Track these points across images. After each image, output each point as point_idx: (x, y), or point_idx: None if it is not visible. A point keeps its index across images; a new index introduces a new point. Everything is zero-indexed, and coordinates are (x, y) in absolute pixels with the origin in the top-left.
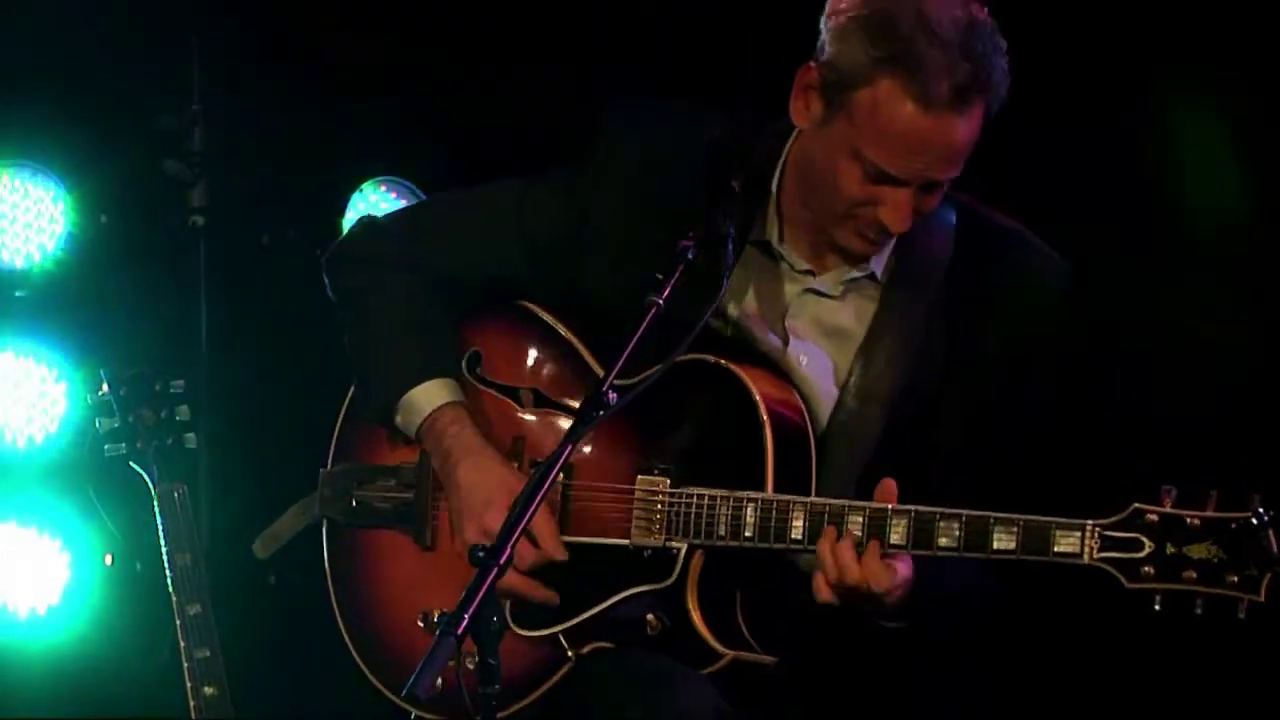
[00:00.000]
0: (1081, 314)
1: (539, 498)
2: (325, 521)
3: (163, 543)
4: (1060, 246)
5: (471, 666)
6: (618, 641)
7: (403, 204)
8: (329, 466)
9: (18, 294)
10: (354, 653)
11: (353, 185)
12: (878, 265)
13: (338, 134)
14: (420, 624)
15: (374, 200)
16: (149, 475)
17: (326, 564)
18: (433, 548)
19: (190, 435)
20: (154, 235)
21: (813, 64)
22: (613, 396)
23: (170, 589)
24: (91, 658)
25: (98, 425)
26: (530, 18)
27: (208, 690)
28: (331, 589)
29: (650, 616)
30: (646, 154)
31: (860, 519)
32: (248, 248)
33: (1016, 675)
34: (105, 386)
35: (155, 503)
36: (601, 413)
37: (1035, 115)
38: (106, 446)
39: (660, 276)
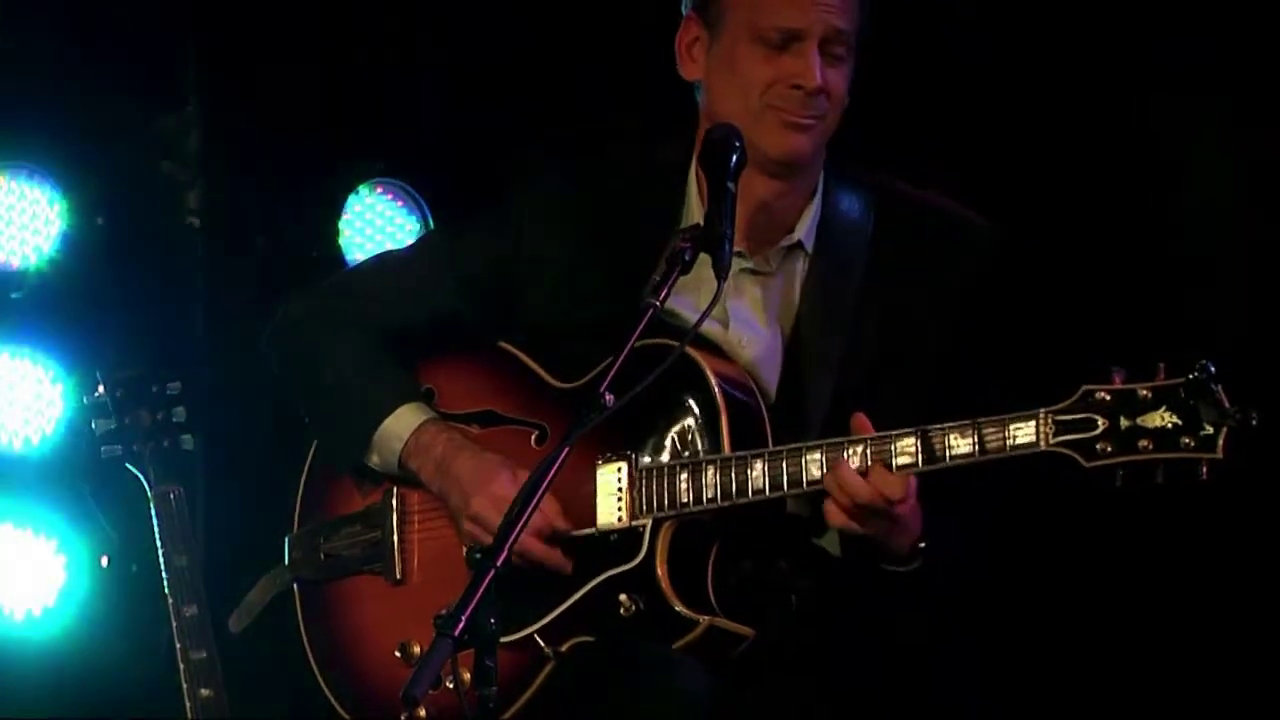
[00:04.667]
0: (1009, 271)
1: (536, 498)
2: (296, 584)
3: (159, 544)
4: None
5: (450, 684)
6: (594, 631)
7: (399, 205)
8: (294, 530)
9: (14, 295)
10: (337, 705)
11: (349, 188)
12: (806, 237)
13: (334, 136)
14: (398, 655)
15: (370, 202)
16: (145, 477)
17: (301, 625)
18: (403, 581)
19: (187, 437)
20: (150, 237)
21: (687, 15)
22: (609, 398)
23: (166, 590)
24: (87, 659)
25: (94, 427)
26: (527, 20)
27: (204, 692)
28: (308, 649)
29: (623, 597)
30: (568, 178)
31: (818, 455)
32: (244, 249)
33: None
34: (101, 388)
35: (151, 504)
36: (600, 411)
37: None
38: (103, 448)
39: (657, 278)
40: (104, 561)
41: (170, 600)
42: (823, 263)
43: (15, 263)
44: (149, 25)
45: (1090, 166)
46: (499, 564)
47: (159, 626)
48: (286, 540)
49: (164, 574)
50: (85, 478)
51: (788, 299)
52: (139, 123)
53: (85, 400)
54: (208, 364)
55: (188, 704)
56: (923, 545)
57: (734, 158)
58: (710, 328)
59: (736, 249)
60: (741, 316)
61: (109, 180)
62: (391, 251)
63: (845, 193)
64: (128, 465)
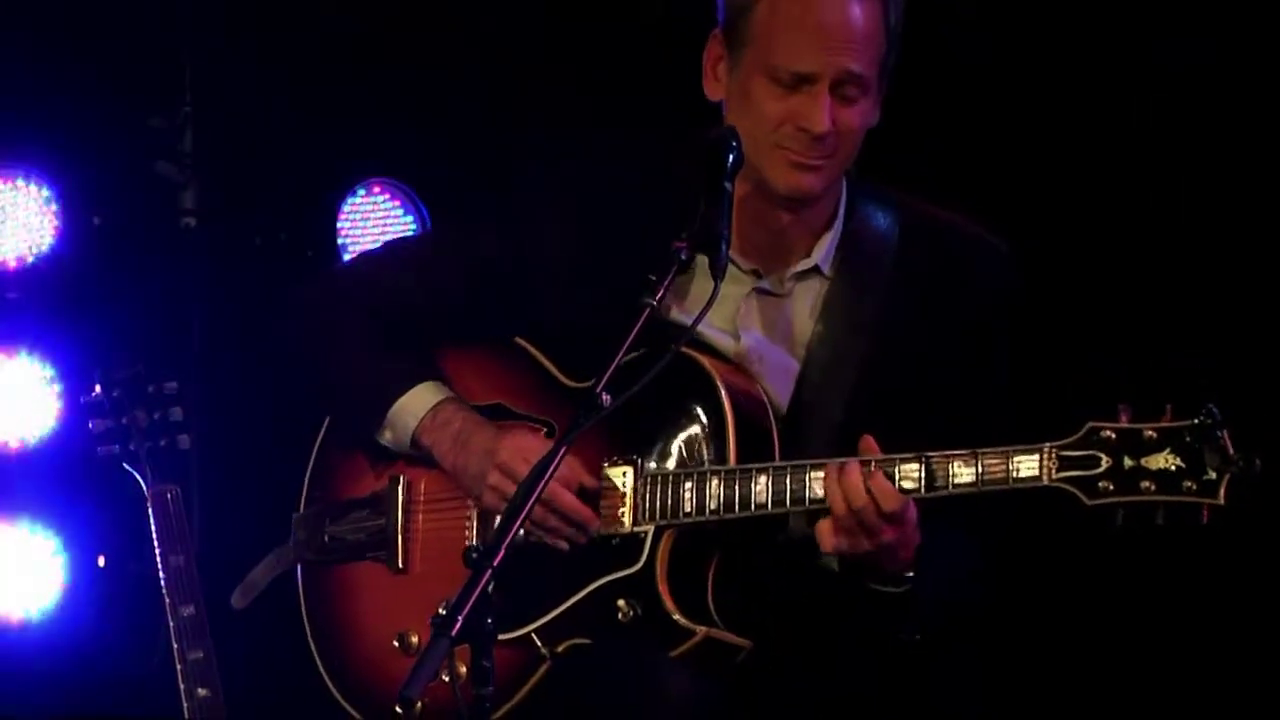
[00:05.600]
0: (1023, 290)
1: (533, 498)
2: (300, 565)
3: (156, 544)
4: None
5: (446, 678)
6: (591, 634)
7: (395, 205)
8: (301, 510)
9: (11, 295)
10: (334, 690)
11: (345, 187)
12: (824, 261)
13: (330, 136)
14: (396, 644)
15: (367, 202)
16: (142, 476)
17: (302, 607)
18: (405, 570)
19: (183, 437)
20: (146, 237)
21: (713, 32)
22: (606, 398)
23: (163, 590)
24: (85, 659)
25: (91, 426)
26: (523, 19)
27: (201, 691)
28: (308, 630)
29: (621, 603)
30: (586, 179)
31: (822, 474)
32: (240, 249)
33: (1000, 652)
34: (98, 388)
35: (148, 504)
36: (597, 412)
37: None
38: (100, 448)
39: (653, 278)
40: (101, 561)
41: (167, 600)
42: (842, 286)
43: (12, 262)
44: (144, 25)
45: (1090, 167)
46: (496, 564)
47: (156, 626)
48: (292, 520)
49: (161, 573)
50: (82, 477)
51: (802, 321)
52: (135, 122)
53: (82, 400)
54: (204, 363)
55: (185, 704)
56: (910, 575)
57: (730, 158)
58: (722, 341)
59: (751, 268)
60: (753, 334)
61: (105, 180)
62: (405, 238)
63: (871, 214)
64: (124, 465)
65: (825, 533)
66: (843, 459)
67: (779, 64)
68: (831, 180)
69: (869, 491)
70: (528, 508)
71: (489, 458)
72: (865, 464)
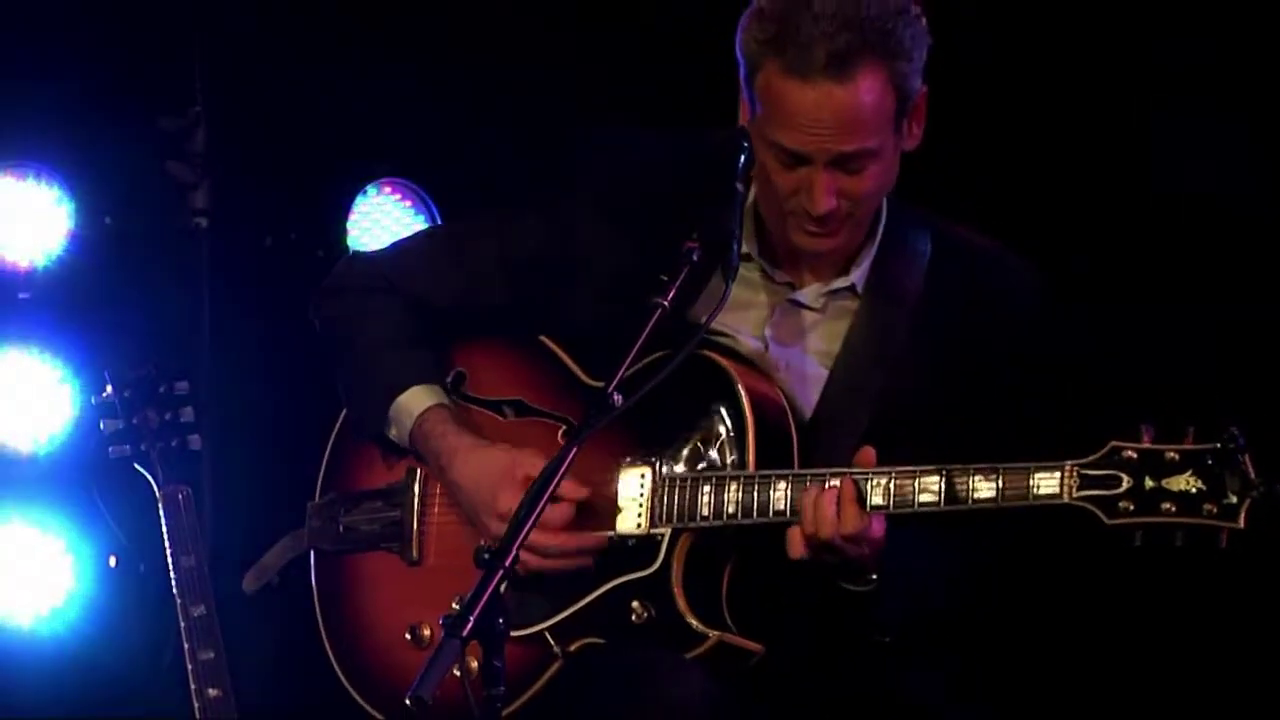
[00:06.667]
0: (1055, 317)
1: (544, 499)
2: (313, 553)
3: (167, 544)
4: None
5: (457, 673)
6: (604, 634)
7: (406, 205)
8: (317, 499)
9: (22, 296)
10: (345, 680)
11: (356, 187)
12: (859, 281)
13: (341, 136)
14: (408, 637)
15: (378, 202)
16: (153, 477)
17: (315, 596)
18: (419, 562)
19: (194, 437)
20: (157, 237)
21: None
22: (617, 399)
23: (174, 591)
24: (95, 659)
25: (102, 427)
26: (534, 20)
27: (211, 692)
28: (320, 620)
29: (635, 604)
30: (622, 176)
31: (839, 483)
32: (251, 249)
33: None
34: (109, 388)
35: (159, 504)
36: (607, 413)
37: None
38: (111, 448)
39: (665, 278)
40: (112, 561)
41: (178, 600)
42: (874, 303)
43: (23, 263)
44: (155, 25)
45: (1089, 168)
46: (507, 564)
47: (167, 627)
48: (307, 507)
49: (172, 574)
50: (93, 478)
51: (832, 334)
52: (146, 122)
53: (93, 400)
54: (215, 364)
55: (195, 704)
56: (874, 576)
57: (741, 158)
58: (750, 346)
59: (785, 280)
60: (782, 343)
61: (116, 180)
62: (443, 226)
63: (907, 235)
64: (135, 465)
65: (794, 541)
66: (863, 470)
67: (775, 140)
68: (851, 235)
69: (839, 518)
70: (537, 511)
71: (481, 524)
72: (883, 480)
